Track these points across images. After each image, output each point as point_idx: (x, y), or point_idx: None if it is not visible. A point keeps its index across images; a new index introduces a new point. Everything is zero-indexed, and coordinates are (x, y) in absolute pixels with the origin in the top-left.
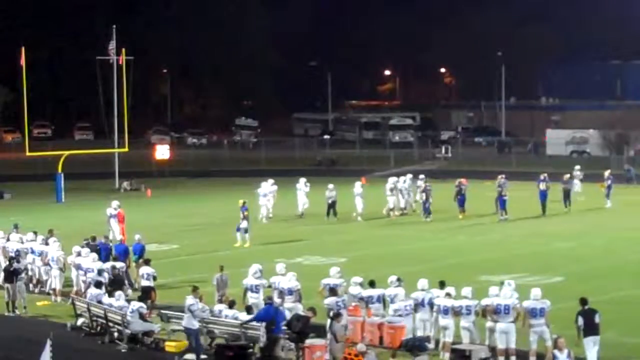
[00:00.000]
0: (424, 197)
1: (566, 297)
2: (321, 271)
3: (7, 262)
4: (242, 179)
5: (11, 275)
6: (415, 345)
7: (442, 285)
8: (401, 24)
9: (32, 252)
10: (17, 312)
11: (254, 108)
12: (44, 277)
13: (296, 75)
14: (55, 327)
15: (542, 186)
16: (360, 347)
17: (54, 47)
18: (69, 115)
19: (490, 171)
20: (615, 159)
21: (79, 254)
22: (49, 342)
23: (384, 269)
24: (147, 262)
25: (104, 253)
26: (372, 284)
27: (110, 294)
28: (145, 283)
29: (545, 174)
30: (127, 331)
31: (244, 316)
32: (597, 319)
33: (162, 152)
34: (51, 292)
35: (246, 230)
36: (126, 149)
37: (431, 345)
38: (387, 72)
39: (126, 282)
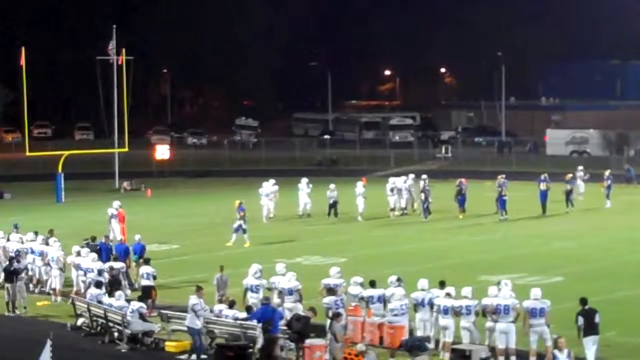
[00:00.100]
0: (423, 197)
1: (566, 297)
2: (321, 271)
3: (7, 262)
4: (242, 179)
5: (11, 275)
6: (415, 345)
7: (442, 285)
8: (401, 24)
9: (32, 252)
10: (17, 312)
11: (254, 108)
12: (44, 277)
13: (296, 75)
14: (55, 327)
15: (543, 186)
16: (360, 347)
17: (54, 47)
18: (69, 115)
19: (490, 171)
20: (615, 159)
21: (78, 254)
22: (49, 342)
23: (384, 269)
24: (147, 262)
25: (104, 253)
26: (372, 284)
27: (110, 294)
28: (145, 282)
29: (546, 174)
30: (127, 331)
31: (243, 316)
32: (597, 319)
33: (162, 152)
34: (51, 292)
35: (245, 231)
36: (126, 149)
37: (431, 345)
38: (387, 72)
39: (126, 282)
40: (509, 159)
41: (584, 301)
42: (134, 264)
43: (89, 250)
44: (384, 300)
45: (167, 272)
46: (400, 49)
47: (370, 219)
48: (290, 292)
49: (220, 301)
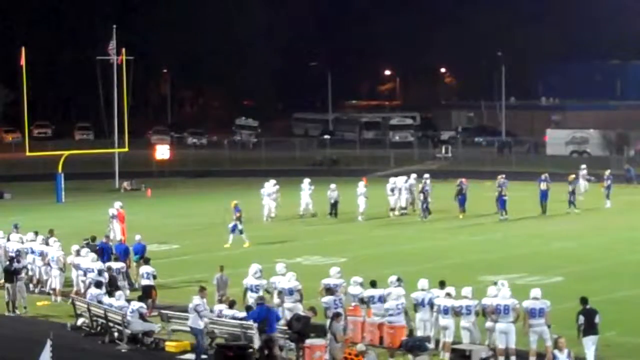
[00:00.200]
0: (422, 198)
1: (566, 297)
2: (321, 271)
3: (7, 262)
4: (242, 179)
5: (11, 275)
6: (416, 345)
7: (442, 285)
8: (401, 24)
9: (32, 252)
10: (18, 312)
11: (254, 108)
12: (44, 277)
13: (296, 75)
14: (55, 327)
15: (543, 186)
16: (360, 347)
17: (54, 47)
18: (69, 115)
19: (490, 171)
20: (615, 159)
21: (78, 253)
22: (49, 342)
23: (384, 269)
24: (146, 261)
25: (106, 253)
26: (373, 284)
27: (110, 294)
28: (145, 282)
29: (546, 174)
30: (127, 331)
31: (243, 316)
32: (597, 319)
33: (162, 152)
34: (51, 292)
35: (241, 232)
36: (126, 149)
37: (431, 345)
38: (387, 72)
39: (125, 282)
40: (509, 159)
41: (584, 300)
42: (134, 264)
43: (89, 250)
44: (384, 300)
45: (167, 272)
46: (400, 49)
47: (370, 219)
48: (291, 292)
49: (220, 301)
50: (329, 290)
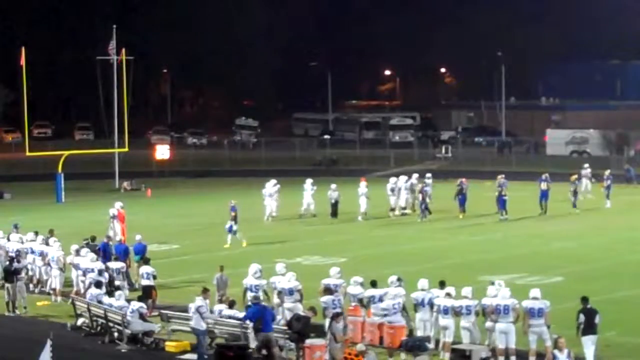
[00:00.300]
0: (420, 198)
1: (566, 297)
2: (321, 271)
3: (8, 262)
4: (242, 179)
5: (11, 275)
6: (416, 345)
7: (442, 285)
8: (401, 24)
9: (32, 252)
10: (18, 312)
11: (254, 108)
12: (44, 277)
13: (296, 75)
14: (55, 327)
15: (544, 186)
16: (360, 347)
17: (54, 47)
18: (69, 115)
19: (490, 171)
20: (615, 159)
21: (77, 253)
22: (49, 342)
23: (384, 269)
24: (146, 262)
25: (106, 253)
26: (373, 284)
27: (110, 294)
28: (145, 282)
29: (547, 174)
30: (127, 331)
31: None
32: (597, 320)
33: (162, 152)
34: (51, 292)
35: (235, 232)
36: (126, 149)
37: (431, 345)
38: (387, 72)
39: (125, 282)
40: (509, 159)
41: (585, 300)
42: (135, 264)
43: (89, 250)
44: (383, 300)
45: (167, 272)
46: (400, 49)
47: (370, 219)
48: (291, 292)
49: (221, 301)
50: (328, 290)
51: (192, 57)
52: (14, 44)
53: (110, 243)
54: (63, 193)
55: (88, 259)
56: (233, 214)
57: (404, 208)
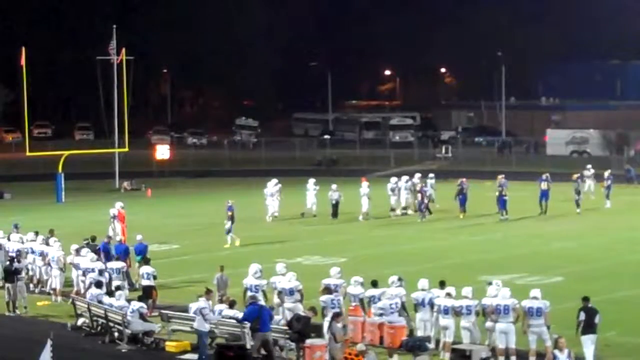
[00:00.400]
0: (419, 198)
1: (566, 297)
2: (321, 271)
3: (8, 262)
4: (242, 179)
5: (12, 275)
6: (416, 345)
7: (442, 285)
8: (401, 24)
9: (33, 252)
10: (18, 312)
11: (254, 108)
12: (44, 277)
13: (296, 75)
14: (55, 327)
15: (544, 186)
16: (360, 347)
17: (54, 47)
18: (69, 115)
19: (491, 171)
20: (615, 159)
21: (77, 252)
22: (49, 342)
23: (384, 269)
24: (147, 262)
25: (106, 253)
26: (374, 284)
27: (110, 294)
28: (145, 282)
29: (547, 174)
30: (128, 331)
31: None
32: (597, 319)
33: (162, 152)
34: (51, 292)
35: (229, 231)
36: (126, 149)
37: (431, 345)
38: (387, 72)
39: (125, 282)
40: (509, 159)
41: (586, 299)
42: (136, 264)
43: (89, 250)
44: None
45: (167, 272)
46: (400, 49)
47: (371, 219)
48: (291, 292)
49: (221, 301)
50: (327, 290)
51: (192, 57)
52: (14, 44)
53: (111, 243)
54: (63, 193)
55: (88, 259)
56: (230, 213)
57: (405, 208)
